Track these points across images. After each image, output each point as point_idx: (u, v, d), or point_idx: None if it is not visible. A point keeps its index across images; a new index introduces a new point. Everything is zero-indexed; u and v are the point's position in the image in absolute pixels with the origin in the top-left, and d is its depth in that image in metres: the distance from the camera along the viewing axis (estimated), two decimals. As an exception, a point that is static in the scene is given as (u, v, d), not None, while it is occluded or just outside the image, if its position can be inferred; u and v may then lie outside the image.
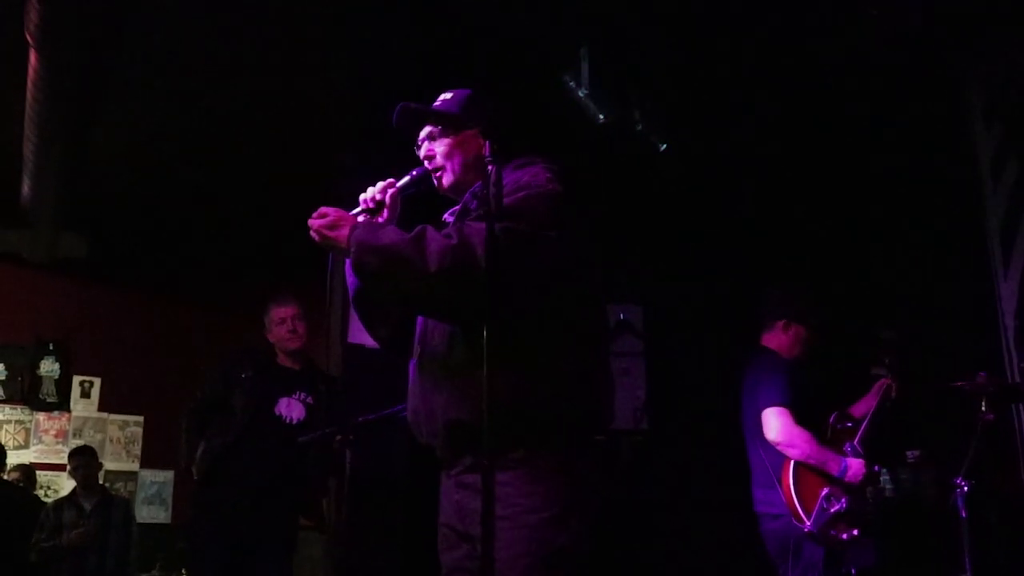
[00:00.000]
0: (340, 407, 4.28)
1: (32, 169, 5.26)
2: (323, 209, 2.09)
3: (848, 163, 5.26)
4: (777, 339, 3.96)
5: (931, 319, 4.83)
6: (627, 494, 4.59)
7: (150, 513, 7.39)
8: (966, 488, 3.40)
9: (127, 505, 6.30)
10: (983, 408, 3.47)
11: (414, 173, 2.28)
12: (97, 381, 7.59)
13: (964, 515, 3.39)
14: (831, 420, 3.89)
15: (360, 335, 3.82)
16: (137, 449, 7.57)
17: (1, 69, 4.73)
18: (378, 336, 2.31)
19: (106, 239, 7.24)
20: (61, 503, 5.90)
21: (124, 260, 7.57)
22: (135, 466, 7.54)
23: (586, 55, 4.48)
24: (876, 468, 3.82)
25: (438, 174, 2.26)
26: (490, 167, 1.90)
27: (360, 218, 2.14)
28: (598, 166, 4.91)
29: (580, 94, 4.51)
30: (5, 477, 6.26)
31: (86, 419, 7.50)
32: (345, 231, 2.02)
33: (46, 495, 6.82)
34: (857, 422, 3.93)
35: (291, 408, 4.28)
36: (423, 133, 2.30)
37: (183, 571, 6.02)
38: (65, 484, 6.77)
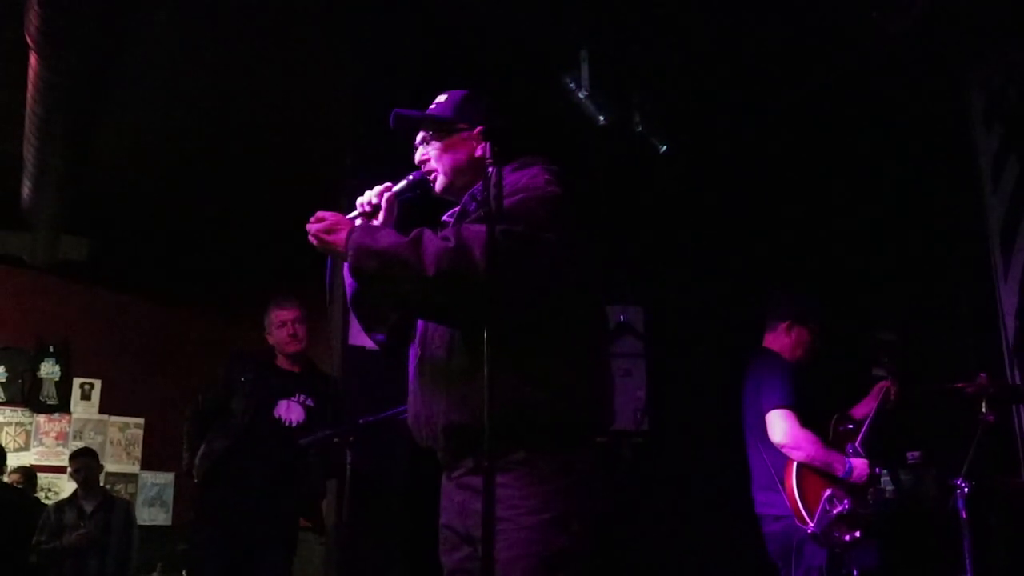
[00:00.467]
0: (341, 409, 4.29)
1: (33, 172, 5.26)
2: (320, 213, 2.09)
3: (848, 164, 5.27)
4: (780, 341, 3.96)
5: (931, 320, 4.83)
6: (627, 495, 4.59)
7: (151, 515, 7.40)
8: (967, 489, 3.40)
9: (128, 507, 6.30)
10: (983, 409, 3.48)
11: (411, 177, 2.30)
12: (98, 383, 7.60)
13: (964, 516, 3.39)
14: (832, 422, 3.90)
15: (361, 337, 3.81)
16: (137, 451, 7.58)
17: (1, 71, 4.74)
18: (376, 338, 2.32)
19: (107, 242, 7.25)
20: (62, 505, 5.90)
21: (125, 263, 7.58)
22: (135, 468, 7.54)
23: (586, 57, 4.48)
24: (877, 470, 3.82)
25: (432, 177, 2.28)
26: (490, 169, 1.91)
27: (357, 221, 2.15)
28: (598, 167, 4.91)
29: (580, 96, 4.51)
30: (5, 479, 6.26)
31: (86, 421, 7.51)
32: (343, 235, 2.02)
33: (46, 497, 6.82)
34: (858, 424, 3.93)
35: (290, 411, 4.29)
36: (418, 138, 2.32)
37: (184, 573, 6.01)
38: (66, 486, 6.78)
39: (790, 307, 3.99)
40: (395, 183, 2.28)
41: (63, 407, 7.45)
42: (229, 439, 4.19)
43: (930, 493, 4.41)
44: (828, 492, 3.61)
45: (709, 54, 4.62)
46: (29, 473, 6.72)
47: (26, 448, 7.26)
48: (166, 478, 7.53)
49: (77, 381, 7.54)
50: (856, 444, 3.82)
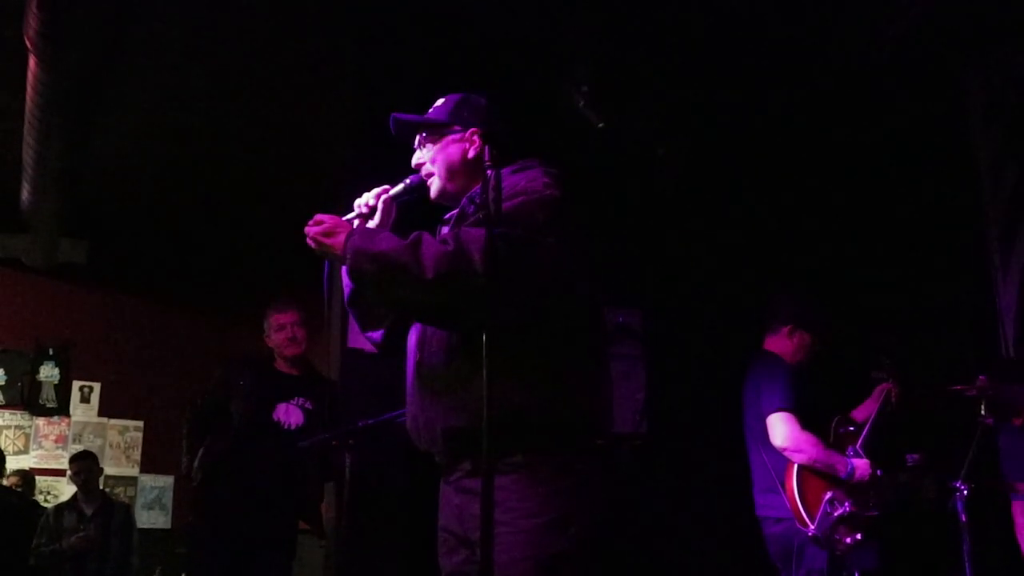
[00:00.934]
0: (339, 412, 4.29)
1: (32, 174, 5.26)
2: (319, 216, 2.09)
3: (848, 165, 5.26)
4: (781, 344, 3.95)
5: (930, 322, 4.83)
6: (626, 498, 4.58)
7: (150, 518, 7.39)
8: (966, 492, 3.40)
9: (127, 510, 6.30)
10: (982, 412, 3.47)
11: (408, 180, 2.31)
12: (97, 386, 7.59)
13: (964, 519, 3.39)
14: (833, 424, 3.89)
15: (359, 340, 3.81)
16: (137, 454, 7.56)
17: (1, 73, 4.73)
18: (372, 337, 2.32)
19: (106, 244, 7.24)
20: (62, 508, 5.90)
21: (124, 265, 7.58)
22: (135, 471, 7.53)
23: (585, 59, 4.48)
24: (878, 472, 3.82)
25: (428, 181, 2.28)
26: (489, 171, 1.90)
27: (355, 223, 2.15)
28: (597, 170, 4.91)
29: (579, 99, 4.50)
30: (4, 482, 6.25)
31: (86, 424, 7.49)
32: (341, 238, 2.02)
33: (46, 500, 6.81)
34: (859, 426, 3.93)
35: (289, 414, 4.29)
36: (415, 142, 2.33)
37: (183, 576, 6.02)
38: (65, 489, 6.77)
39: (793, 311, 3.97)
40: (393, 186, 2.29)
41: (62, 410, 7.43)
42: (228, 442, 4.20)
43: (930, 495, 4.41)
44: (829, 494, 3.61)
45: (708, 57, 4.61)
46: (28, 476, 6.71)
47: (25, 451, 7.24)
48: (165, 481, 7.51)
49: (76, 384, 7.52)
50: (857, 446, 3.82)
